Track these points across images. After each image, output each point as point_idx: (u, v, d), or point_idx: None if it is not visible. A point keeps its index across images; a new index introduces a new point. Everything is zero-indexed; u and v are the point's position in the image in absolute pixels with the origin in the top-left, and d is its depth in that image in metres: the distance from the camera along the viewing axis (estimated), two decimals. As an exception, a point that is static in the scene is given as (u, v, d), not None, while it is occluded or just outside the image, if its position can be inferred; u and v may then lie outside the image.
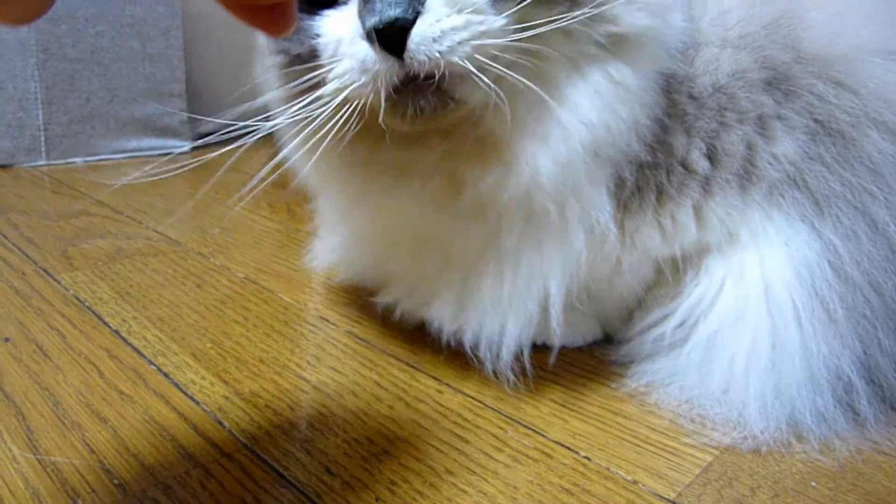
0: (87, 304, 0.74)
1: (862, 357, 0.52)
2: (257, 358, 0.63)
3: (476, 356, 0.57)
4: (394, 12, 0.41)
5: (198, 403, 0.55)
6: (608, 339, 0.66)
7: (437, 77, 0.43)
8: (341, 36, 0.46)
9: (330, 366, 0.62)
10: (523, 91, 0.46)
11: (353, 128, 0.46)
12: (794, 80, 0.52)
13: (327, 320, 0.71)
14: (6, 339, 0.65)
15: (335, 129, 0.46)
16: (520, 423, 0.54)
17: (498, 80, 0.44)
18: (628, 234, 0.55)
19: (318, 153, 0.48)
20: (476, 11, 0.43)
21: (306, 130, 0.48)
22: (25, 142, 1.41)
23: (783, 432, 0.51)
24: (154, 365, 0.61)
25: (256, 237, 0.98)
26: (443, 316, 0.58)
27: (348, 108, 0.46)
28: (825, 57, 0.53)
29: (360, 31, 0.44)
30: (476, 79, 0.43)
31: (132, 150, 1.53)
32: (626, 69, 0.49)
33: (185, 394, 0.57)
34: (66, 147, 1.46)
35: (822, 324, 0.51)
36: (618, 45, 0.48)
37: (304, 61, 0.48)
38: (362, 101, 0.45)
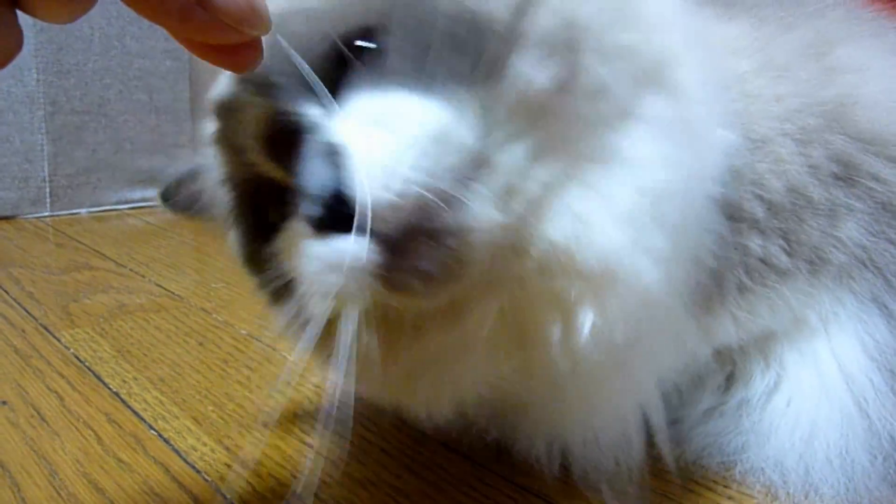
0: (87, 363, 0.72)
1: None
2: (260, 422, 0.61)
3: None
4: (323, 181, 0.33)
5: (199, 472, 0.53)
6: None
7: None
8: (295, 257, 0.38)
9: (334, 430, 0.60)
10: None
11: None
12: (858, 167, 0.51)
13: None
14: (3, 403, 0.64)
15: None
16: (529, 491, 0.52)
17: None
18: (705, 329, 0.52)
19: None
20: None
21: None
22: (30, 193, 1.42)
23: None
24: (154, 430, 0.59)
25: (260, 291, 0.97)
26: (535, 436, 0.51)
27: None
28: (885, 137, 0.52)
29: (307, 233, 0.35)
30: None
31: (136, 201, 1.54)
32: (671, 99, 0.39)
33: (186, 461, 0.55)
34: (71, 198, 1.46)
35: None
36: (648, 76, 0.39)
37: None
38: (358, 306, 0.35)
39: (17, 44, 0.27)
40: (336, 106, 0.35)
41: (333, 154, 0.33)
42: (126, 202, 1.53)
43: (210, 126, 0.43)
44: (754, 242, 0.50)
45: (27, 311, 0.87)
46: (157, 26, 0.28)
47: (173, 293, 0.95)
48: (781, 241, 0.51)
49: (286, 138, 0.36)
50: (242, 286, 0.98)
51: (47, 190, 1.44)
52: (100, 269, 1.07)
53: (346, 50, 0.35)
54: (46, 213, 1.44)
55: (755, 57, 0.53)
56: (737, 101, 0.49)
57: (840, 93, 0.52)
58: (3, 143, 1.38)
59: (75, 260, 1.11)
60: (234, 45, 0.29)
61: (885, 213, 0.51)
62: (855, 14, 0.58)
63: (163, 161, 1.73)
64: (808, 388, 0.53)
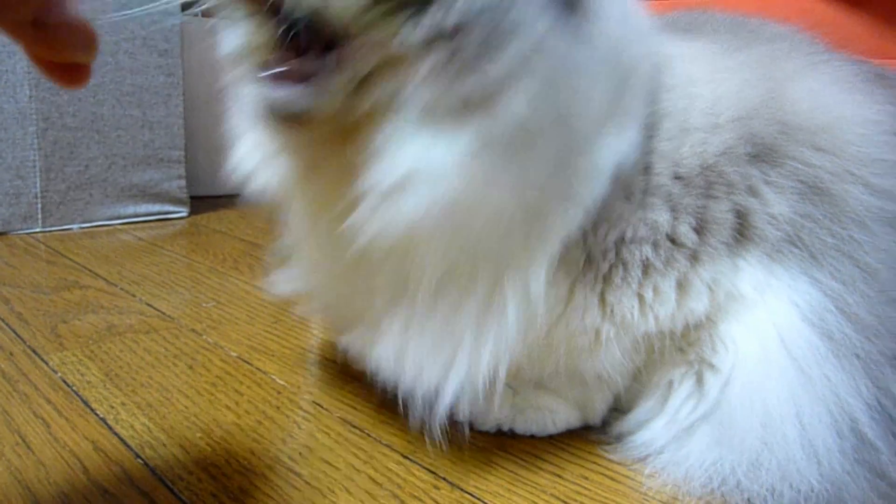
0: (74, 388, 0.72)
1: (873, 395, 0.52)
2: (248, 449, 0.61)
3: (407, 407, 0.55)
4: None
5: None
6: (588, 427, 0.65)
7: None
8: None
9: (323, 458, 0.60)
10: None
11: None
12: (778, 150, 0.55)
13: (321, 405, 0.69)
14: (-11, 430, 0.63)
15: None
16: (520, 522, 0.52)
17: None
18: (609, 306, 0.55)
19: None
20: None
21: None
22: (22, 209, 1.41)
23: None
24: (141, 458, 0.59)
25: (252, 311, 0.97)
26: (382, 359, 0.55)
27: None
28: (809, 128, 0.56)
29: None
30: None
31: (129, 216, 1.53)
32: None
33: (173, 492, 0.54)
34: (63, 214, 1.46)
35: (840, 361, 0.52)
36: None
37: None
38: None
39: None
40: None
41: None
42: (118, 218, 1.52)
43: None
44: (662, 217, 0.53)
45: (16, 333, 0.86)
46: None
47: (164, 313, 0.95)
48: (691, 219, 0.54)
49: None
50: (234, 305, 0.98)
51: (39, 206, 1.43)
52: (90, 287, 1.06)
53: None
54: (38, 229, 1.43)
55: (708, 66, 0.59)
56: (681, 98, 0.56)
57: (770, 88, 0.57)
58: (-5, 159, 1.38)
59: (65, 278, 1.11)
60: (69, 65, 0.35)
61: (812, 194, 0.54)
62: (803, 42, 0.64)
63: (156, 177, 1.71)
64: (753, 364, 0.54)
